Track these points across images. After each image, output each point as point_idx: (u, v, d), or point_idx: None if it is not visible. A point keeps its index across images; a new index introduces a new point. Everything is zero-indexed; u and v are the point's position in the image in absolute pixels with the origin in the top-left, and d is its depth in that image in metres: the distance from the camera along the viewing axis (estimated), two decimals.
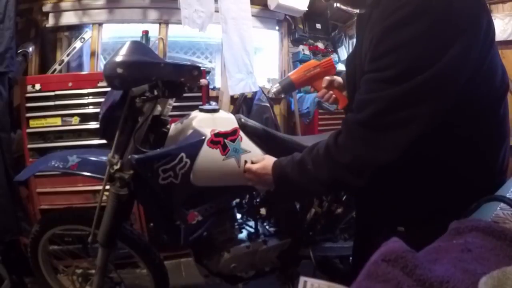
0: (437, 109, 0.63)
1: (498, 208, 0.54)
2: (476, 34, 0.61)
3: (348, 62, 0.89)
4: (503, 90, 0.72)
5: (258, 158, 1.04)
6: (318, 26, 2.98)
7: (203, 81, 1.15)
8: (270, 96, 1.22)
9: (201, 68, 1.11)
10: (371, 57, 0.67)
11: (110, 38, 2.51)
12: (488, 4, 2.48)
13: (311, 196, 1.05)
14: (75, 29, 2.32)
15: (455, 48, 0.58)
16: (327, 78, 1.09)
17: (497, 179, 0.73)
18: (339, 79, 1.11)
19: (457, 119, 0.68)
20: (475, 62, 0.62)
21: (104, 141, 1.30)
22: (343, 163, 0.72)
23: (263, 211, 1.36)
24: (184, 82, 1.08)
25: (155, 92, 1.07)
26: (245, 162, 1.10)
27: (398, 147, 0.65)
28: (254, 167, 1.00)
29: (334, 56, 3.02)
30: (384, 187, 0.77)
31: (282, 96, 1.23)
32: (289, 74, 1.18)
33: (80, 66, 2.36)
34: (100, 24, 2.34)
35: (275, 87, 1.16)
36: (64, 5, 2.23)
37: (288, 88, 1.15)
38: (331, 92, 1.10)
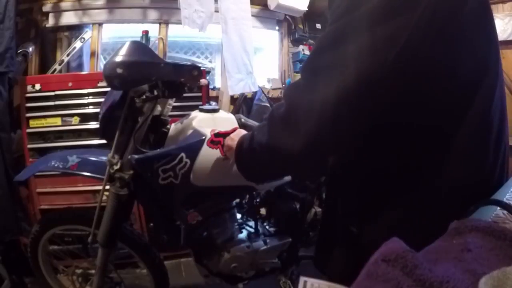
0: (381, 45, 0.53)
1: (498, 208, 0.54)
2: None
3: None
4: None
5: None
6: (318, 26, 2.98)
7: (203, 81, 1.14)
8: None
9: (201, 68, 1.11)
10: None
11: (110, 38, 2.50)
12: None
13: (267, 174, 0.89)
14: (75, 29, 2.32)
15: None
16: None
17: (479, 184, 0.63)
18: None
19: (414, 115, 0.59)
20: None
21: (104, 141, 1.30)
22: (279, 117, 0.65)
23: (263, 211, 1.36)
24: (184, 82, 1.09)
25: (155, 92, 1.07)
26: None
27: (338, 86, 0.55)
28: (228, 137, 0.95)
29: None
30: (343, 184, 0.73)
31: None
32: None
33: (80, 66, 2.36)
34: (100, 24, 2.34)
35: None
36: (64, 5, 2.23)
37: None
38: None
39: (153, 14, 2.39)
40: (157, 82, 1.05)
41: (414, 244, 0.43)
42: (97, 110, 1.71)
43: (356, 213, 0.70)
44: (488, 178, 0.64)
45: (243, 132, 0.92)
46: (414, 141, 0.61)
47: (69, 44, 2.27)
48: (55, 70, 2.17)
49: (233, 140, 0.88)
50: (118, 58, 0.98)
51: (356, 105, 0.56)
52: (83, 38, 2.27)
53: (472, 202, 0.56)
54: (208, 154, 1.08)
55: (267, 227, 1.39)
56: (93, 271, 1.37)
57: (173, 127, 1.22)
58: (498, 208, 0.54)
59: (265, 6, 2.65)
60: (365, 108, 0.57)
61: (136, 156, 1.06)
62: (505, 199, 0.57)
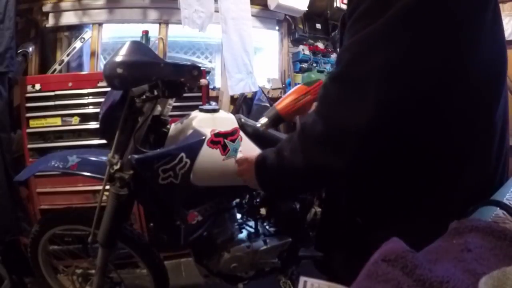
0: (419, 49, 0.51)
1: (498, 208, 0.54)
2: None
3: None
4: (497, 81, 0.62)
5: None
6: (318, 26, 2.98)
7: (203, 81, 1.14)
8: (261, 128, 1.08)
9: (201, 68, 1.11)
10: (350, 13, 0.58)
11: (110, 38, 2.50)
12: None
13: (296, 191, 0.87)
14: (75, 29, 2.32)
15: None
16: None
17: (484, 183, 0.64)
18: None
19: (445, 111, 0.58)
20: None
21: (104, 141, 1.30)
22: (317, 137, 0.60)
23: (263, 211, 1.36)
24: (184, 82, 1.08)
25: (155, 92, 1.07)
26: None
27: (382, 101, 0.53)
28: (241, 157, 0.93)
29: (334, 56, 3.02)
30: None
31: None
32: (276, 103, 1.03)
33: (80, 66, 2.36)
34: (100, 24, 2.34)
35: (262, 122, 1.03)
36: (64, 5, 2.23)
37: (276, 121, 1.01)
38: None
39: (153, 14, 2.39)
40: (157, 82, 1.05)
41: (418, 241, 0.44)
42: (97, 110, 1.71)
43: (363, 205, 0.70)
44: (491, 179, 0.64)
45: (254, 151, 0.88)
46: (427, 140, 0.60)
47: (69, 44, 2.27)
48: (55, 70, 2.17)
49: (248, 161, 0.85)
50: (118, 58, 0.98)
51: (402, 117, 0.55)
52: (83, 38, 2.27)
53: (475, 202, 0.56)
54: (208, 154, 1.08)
55: (267, 227, 1.39)
56: (93, 271, 1.37)
57: (173, 127, 1.22)
58: (498, 207, 0.54)
59: (265, 6, 2.65)
60: (409, 119, 0.56)
61: (136, 156, 1.06)
62: (505, 199, 0.57)
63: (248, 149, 1.16)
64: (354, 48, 0.56)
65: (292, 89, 1.03)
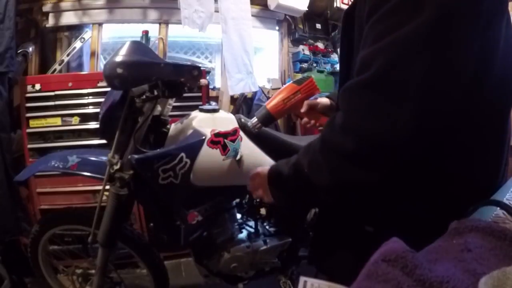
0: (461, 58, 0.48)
1: (498, 208, 0.54)
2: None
3: (341, 60, 0.76)
4: None
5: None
6: (318, 26, 2.98)
7: (203, 81, 1.14)
8: (253, 130, 1.06)
9: (201, 68, 1.11)
10: (370, 11, 0.53)
11: (110, 38, 2.51)
12: None
13: (317, 205, 0.82)
14: (75, 29, 2.32)
15: None
16: (308, 102, 0.93)
17: (491, 184, 0.63)
18: (324, 101, 0.97)
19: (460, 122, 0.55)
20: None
21: (104, 141, 1.30)
22: (346, 154, 0.54)
23: (263, 211, 1.36)
24: (184, 82, 1.09)
25: (155, 92, 1.07)
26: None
27: (417, 114, 0.48)
28: (253, 172, 0.86)
29: (334, 56, 3.02)
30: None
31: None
32: (267, 102, 1.02)
33: (80, 66, 2.36)
34: (100, 24, 2.34)
35: (253, 121, 1.03)
36: (64, 5, 2.23)
37: (267, 120, 1.01)
38: (313, 121, 0.96)
39: (153, 14, 2.39)
40: (157, 82, 1.05)
41: (425, 242, 0.43)
42: (97, 110, 1.71)
43: (374, 213, 0.67)
44: (497, 181, 0.64)
45: (265, 166, 0.82)
46: (443, 142, 0.57)
47: (69, 44, 2.27)
48: (55, 70, 2.17)
49: (261, 175, 0.80)
50: (118, 58, 0.98)
51: (435, 129, 0.51)
52: (83, 38, 2.27)
53: (485, 195, 0.56)
54: (208, 154, 1.08)
55: (267, 227, 1.39)
56: (93, 271, 1.37)
57: (173, 127, 1.22)
58: (498, 207, 0.54)
59: (265, 6, 2.65)
60: (442, 128, 0.52)
61: (136, 156, 1.06)
62: (505, 199, 0.57)
63: (248, 149, 1.16)
64: (390, 51, 0.49)
65: (283, 87, 1.01)
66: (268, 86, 2.82)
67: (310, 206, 0.95)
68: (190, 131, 1.13)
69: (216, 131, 1.10)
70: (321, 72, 2.85)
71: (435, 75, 0.47)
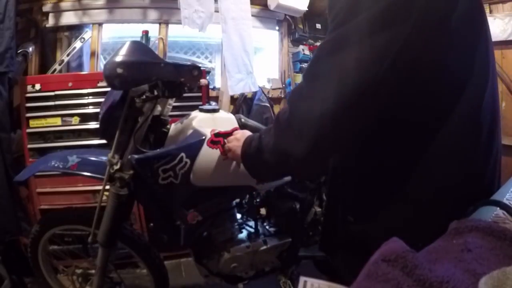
0: (374, 56, 0.56)
1: (498, 208, 0.54)
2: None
3: None
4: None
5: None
6: (318, 26, 2.98)
7: (203, 81, 1.15)
8: None
9: (201, 68, 1.11)
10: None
11: (110, 38, 2.50)
12: (488, 5, 2.50)
13: (270, 173, 0.89)
14: (75, 29, 2.32)
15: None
16: None
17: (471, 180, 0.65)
18: None
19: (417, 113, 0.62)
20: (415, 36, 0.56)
21: (104, 141, 1.30)
22: (283, 122, 0.68)
23: (263, 211, 1.36)
24: (184, 82, 1.09)
25: (155, 92, 1.07)
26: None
27: (335, 97, 0.58)
28: (235, 136, 0.98)
29: None
30: (344, 174, 0.76)
31: None
32: None
33: (80, 66, 2.36)
34: (100, 24, 2.34)
35: None
36: (64, 5, 2.23)
37: None
38: None
39: (153, 14, 2.39)
40: (157, 82, 1.05)
41: (405, 238, 0.45)
42: (97, 110, 1.71)
43: (353, 204, 0.75)
44: (480, 177, 0.66)
45: (247, 133, 0.95)
46: (405, 138, 0.64)
47: (69, 44, 2.27)
48: (55, 70, 2.17)
49: (238, 140, 0.92)
50: (118, 58, 0.98)
51: (352, 111, 0.59)
52: (83, 38, 2.27)
53: (464, 199, 0.57)
54: (208, 154, 1.08)
55: (267, 227, 1.39)
56: (93, 271, 1.37)
57: (173, 127, 1.22)
58: (498, 208, 0.54)
59: (265, 6, 2.65)
60: (360, 113, 0.60)
61: (136, 156, 1.06)
62: (505, 199, 0.57)
63: None
64: (317, 51, 0.64)
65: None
66: (268, 86, 2.82)
67: (270, 176, 1.02)
68: (190, 131, 1.13)
69: (216, 131, 1.10)
70: None
71: (334, 74, 0.59)
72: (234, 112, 2.50)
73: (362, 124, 0.62)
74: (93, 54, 2.31)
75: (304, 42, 2.89)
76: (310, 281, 0.40)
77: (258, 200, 1.35)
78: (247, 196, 1.34)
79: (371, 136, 0.65)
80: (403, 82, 0.58)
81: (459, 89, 0.61)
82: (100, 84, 1.88)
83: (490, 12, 2.52)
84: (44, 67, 2.20)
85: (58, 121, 1.89)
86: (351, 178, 0.75)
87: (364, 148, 0.68)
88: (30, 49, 2.09)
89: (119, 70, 0.96)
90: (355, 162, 0.73)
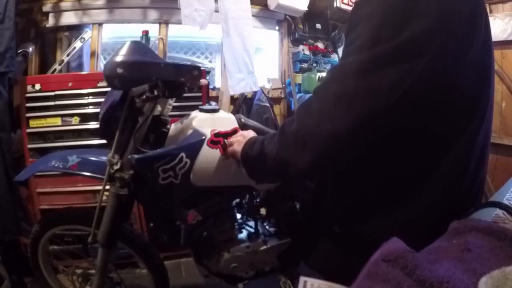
0: (393, 87, 0.59)
1: (498, 208, 0.54)
2: (440, 26, 0.58)
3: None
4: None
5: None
6: (318, 26, 2.98)
7: (203, 81, 1.15)
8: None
9: (201, 68, 1.11)
10: (345, 36, 0.68)
11: (110, 38, 2.50)
12: (488, 5, 2.50)
13: (269, 176, 0.93)
14: (75, 29, 2.32)
15: (416, 27, 0.57)
16: None
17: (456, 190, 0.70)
18: None
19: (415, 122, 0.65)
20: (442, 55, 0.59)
21: (104, 141, 1.30)
22: (289, 133, 0.71)
23: (263, 211, 1.36)
24: (184, 82, 1.09)
25: (155, 92, 1.07)
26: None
27: (344, 118, 0.61)
28: (235, 137, 0.99)
29: (334, 56, 3.02)
30: (330, 183, 0.79)
31: None
32: None
33: (80, 66, 2.36)
34: (100, 24, 2.34)
35: None
36: (64, 5, 2.23)
37: None
38: None
39: (153, 14, 2.39)
40: (157, 82, 1.05)
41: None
42: (97, 110, 1.71)
43: (341, 215, 0.78)
44: (464, 198, 0.71)
45: (251, 133, 0.96)
46: (402, 159, 0.68)
47: (69, 44, 2.27)
48: (55, 70, 2.17)
49: (239, 143, 0.92)
50: (118, 58, 0.98)
51: (358, 133, 0.63)
52: (83, 38, 2.27)
53: (446, 221, 0.59)
54: (208, 154, 1.08)
55: (267, 227, 1.39)
56: (93, 271, 1.37)
57: (173, 127, 1.22)
58: (498, 208, 0.54)
59: (265, 6, 2.65)
60: (365, 135, 0.63)
61: (136, 156, 1.06)
62: (504, 199, 0.57)
63: None
64: (333, 71, 0.67)
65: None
66: (268, 86, 2.82)
67: (268, 179, 1.04)
68: (190, 131, 1.13)
69: (216, 131, 1.10)
70: (321, 72, 2.85)
71: (346, 100, 0.62)
72: (234, 112, 2.49)
73: (365, 144, 0.65)
74: (93, 54, 2.31)
75: (304, 42, 2.89)
76: (310, 281, 0.40)
77: (258, 200, 1.35)
78: (247, 196, 1.34)
79: (368, 153, 0.67)
80: (409, 112, 0.62)
81: (462, 123, 0.66)
82: (100, 84, 1.88)
83: (490, 12, 2.52)
84: (44, 67, 2.20)
85: (58, 121, 1.89)
86: (343, 189, 0.78)
87: (360, 162, 0.70)
88: (30, 49, 2.09)
89: (119, 70, 0.96)
90: (349, 175, 0.75)
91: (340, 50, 3.05)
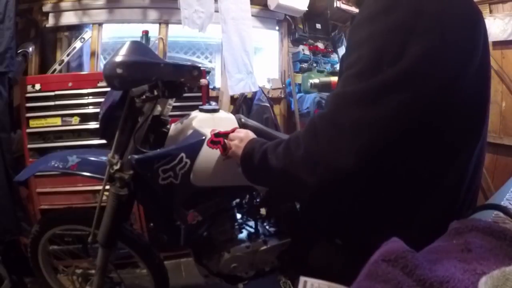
0: (400, 113, 0.58)
1: (497, 210, 0.54)
2: (443, 44, 0.58)
3: (340, 63, 0.89)
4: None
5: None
6: (318, 26, 2.98)
7: (203, 81, 1.14)
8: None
9: (201, 68, 1.11)
10: (346, 55, 0.67)
11: (110, 38, 2.51)
12: (488, 5, 2.50)
13: (271, 186, 0.98)
14: (75, 29, 2.32)
15: (416, 48, 0.56)
16: None
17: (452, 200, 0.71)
18: None
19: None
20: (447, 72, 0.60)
21: (104, 141, 1.30)
22: (296, 156, 0.70)
23: (263, 211, 1.36)
24: (184, 82, 1.08)
25: (155, 92, 1.07)
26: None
27: (354, 151, 0.60)
28: (238, 135, 0.98)
29: (334, 56, 3.02)
30: (329, 196, 0.77)
31: None
32: None
33: (80, 66, 2.36)
34: (100, 24, 2.34)
35: None
36: (64, 5, 2.23)
37: None
38: None
39: (153, 14, 2.40)
40: (157, 82, 1.05)
41: None
42: (97, 110, 1.71)
43: (343, 227, 0.78)
44: (456, 213, 0.70)
45: (251, 134, 0.96)
46: (404, 176, 0.68)
47: (69, 44, 2.27)
48: (55, 70, 2.17)
49: (241, 141, 0.92)
50: (118, 58, 0.98)
51: (369, 163, 0.62)
52: (83, 38, 2.27)
53: (437, 233, 0.60)
54: (208, 154, 1.08)
55: (267, 227, 1.39)
56: (93, 271, 1.37)
57: (173, 127, 1.22)
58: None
59: (265, 6, 2.65)
60: (375, 163, 0.63)
61: (136, 156, 1.06)
62: (504, 199, 0.57)
63: None
64: (337, 98, 0.65)
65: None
66: (268, 86, 2.82)
67: (268, 187, 1.07)
68: (190, 131, 1.13)
69: (216, 131, 1.10)
70: (321, 72, 2.85)
71: (370, 126, 0.60)
72: (234, 112, 2.50)
73: (375, 168, 0.64)
74: (93, 54, 2.31)
75: (304, 42, 2.89)
76: (310, 281, 0.40)
77: (258, 200, 1.35)
78: (247, 196, 1.34)
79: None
80: (414, 137, 0.62)
81: (455, 150, 0.67)
82: (100, 84, 1.88)
83: (490, 12, 2.52)
84: (44, 67, 2.20)
85: (58, 121, 1.90)
86: (342, 203, 0.77)
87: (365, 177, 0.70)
88: (30, 49, 2.09)
89: (119, 70, 0.96)
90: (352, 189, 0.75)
91: (340, 50, 3.05)
